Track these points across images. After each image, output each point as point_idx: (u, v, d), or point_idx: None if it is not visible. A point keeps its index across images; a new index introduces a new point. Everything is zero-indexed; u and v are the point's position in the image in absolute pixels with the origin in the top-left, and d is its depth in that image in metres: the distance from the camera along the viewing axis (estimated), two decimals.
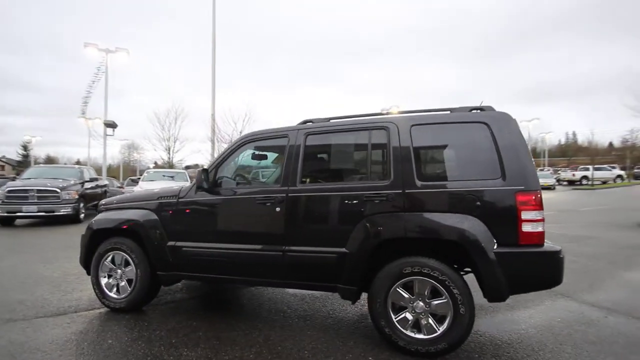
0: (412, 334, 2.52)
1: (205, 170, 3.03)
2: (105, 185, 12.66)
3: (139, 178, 16.19)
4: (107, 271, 3.42)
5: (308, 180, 2.92)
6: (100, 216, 3.57)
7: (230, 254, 2.98)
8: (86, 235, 3.52)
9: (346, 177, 2.98)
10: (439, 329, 2.46)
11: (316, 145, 2.98)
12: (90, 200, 10.52)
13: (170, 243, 3.19)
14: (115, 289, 3.39)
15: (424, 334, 2.49)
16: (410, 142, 2.67)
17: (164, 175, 13.65)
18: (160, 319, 3.17)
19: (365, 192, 2.67)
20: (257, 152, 3.37)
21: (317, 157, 3.06)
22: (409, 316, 2.54)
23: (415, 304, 2.53)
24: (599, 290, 3.90)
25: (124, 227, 3.37)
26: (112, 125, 20.57)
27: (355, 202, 2.69)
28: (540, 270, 2.39)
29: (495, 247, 2.38)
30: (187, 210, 3.21)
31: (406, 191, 2.58)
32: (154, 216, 3.29)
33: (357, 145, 2.91)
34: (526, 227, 2.38)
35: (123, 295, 3.33)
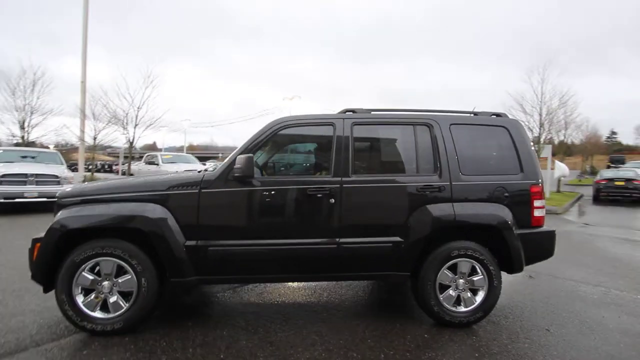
0: (454, 308, 2.88)
1: (251, 158, 2.62)
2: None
3: None
4: (87, 285, 2.59)
5: (359, 171, 2.89)
6: (71, 212, 2.64)
7: (275, 250, 2.71)
8: (49, 238, 2.56)
9: (395, 169, 3.07)
10: (476, 301, 2.90)
11: (364, 136, 2.96)
12: None
13: (190, 243, 2.66)
14: (99, 307, 2.61)
15: (465, 307, 2.89)
16: (451, 139, 2.97)
17: (23, 157, 10.41)
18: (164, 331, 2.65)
19: (419, 183, 2.85)
20: (294, 139, 3.07)
21: (365, 148, 3.03)
22: (452, 293, 2.89)
23: (457, 282, 2.89)
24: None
25: (120, 225, 2.61)
26: None
27: (409, 193, 2.84)
28: (545, 245, 3.08)
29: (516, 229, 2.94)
30: (217, 203, 2.72)
31: (453, 183, 2.89)
32: (164, 210, 2.66)
33: (403, 139, 3.02)
34: (537, 213, 3.02)
35: (116, 313, 2.60)
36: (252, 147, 2.82)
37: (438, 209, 2.83)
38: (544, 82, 15.01)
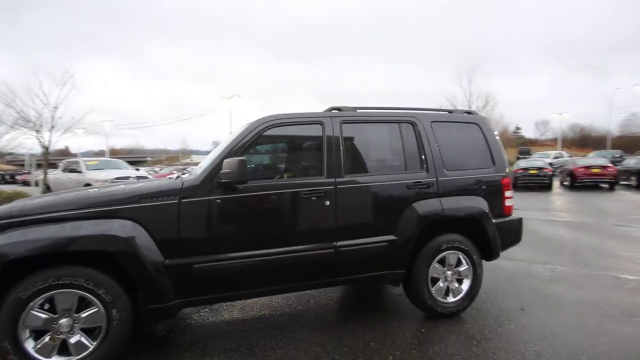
0: (445, 300, 2.98)
1: (244, 162, 2.35)
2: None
3: None
4: (39, 325, 2.09)
5: (351, 170, 2.80)
6: (12, 237, 2.09)
7: (270, 261, 2.49)
8: None
9: (385, 167, 3.03)
10: (462, 290, 3.03)
11: (353, 135, 2.88)
12: None
13: (171, 261, 2.31)
14: (56, 351, 2.13)
15: (453, 297, 3.01)
16: (434, 136, 3.06)
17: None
18: None
19: (409, 181, 2.87)
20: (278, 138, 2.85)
21: (355, 147, 2.94)
22: (442, 285, 2.98)
23: (446, 274, 2.99)
24: None
25: (81, 248, 2.15)
26: None
27: (401, 191, 2.85)
28: (515, 232, 3.35)
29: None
30: (202, 214, 2.40)
31: (439, 179, 2.97)
32: (136, 226, 2.27)
33: (391, 137, 3.01)
34: (507, 202, 3.27)
35: (81, 356, 2.14)
36: (238, 149, 2.55)
37: (428, 205, 2.89)
38: (471, 84, 16.67)
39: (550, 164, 17.57)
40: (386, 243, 2.77)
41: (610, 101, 34.43)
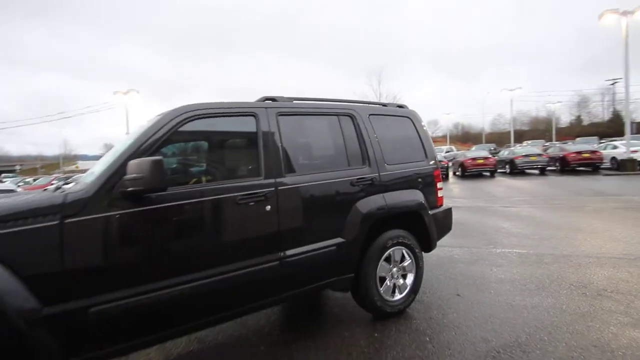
0: (392, 298, 2.89)
1: (160, 163, 1.78)
2: None
3: None
4: None
5: (292, 169, 2.46)
6: None
7: (201, 287, 1.99)
8: None
9: (328, 163, 2.72)
10: (407, 285, 2.98)
11: (291, 128, 2.52)
12: None
13: (51, 309, 1.64)
14: None
15: (400, 293, 2.94)
16: (372, 129, 2.94)
17: None
18: None
19: (353, 177, 2.68)
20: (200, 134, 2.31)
21: (294, 142, 2.56)
22: (389, 283, 2.89)
23: (392, 271, 2.90)
24: None
25: None
26: None
27: (346, 188, 2.63)
28: (448, 221, 3.46)
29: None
30: (96, 236, 1.76)
31: (381, 174, 2.85)
32: None
33: (331, 131, 2.75)
34: (439, 194, 3.36)
35: None
36: (148, 147, 1.98)
37: (373, 202, 2.74)
38: (380, 84, 17.79)
39: (445, 157, 20.03)
40: (334, 247, 2.53)
41: (483, 103, 41.20)
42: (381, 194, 2.81)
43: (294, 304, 3.33)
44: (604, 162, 15.92)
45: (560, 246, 4.76)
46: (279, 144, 2.40)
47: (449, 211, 3.48)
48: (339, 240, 2.56)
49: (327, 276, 2.54)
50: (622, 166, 14.67)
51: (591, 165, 15.81)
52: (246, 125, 2.36)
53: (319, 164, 2.68)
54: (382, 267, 2.82)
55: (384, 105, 3.31)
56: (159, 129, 2.03)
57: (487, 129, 58.11)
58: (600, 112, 53.50)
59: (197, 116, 2.17)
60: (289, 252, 2.32)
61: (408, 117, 3.32)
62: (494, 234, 5.71)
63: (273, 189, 2.29)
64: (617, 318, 2.70)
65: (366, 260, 2.73)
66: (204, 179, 2.24)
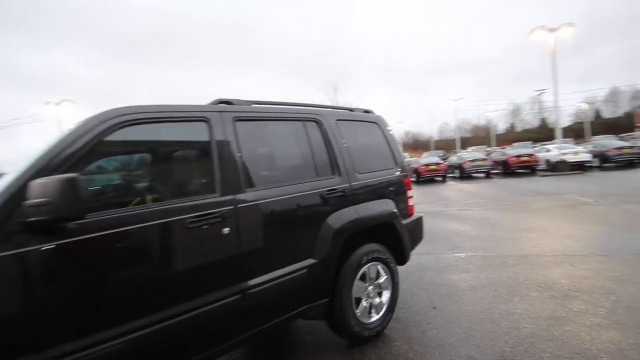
0: (369, 320, 2.63)
1: (75, 181, 1.34)
2: None
3: None
4: None
5: (252, 183, 2.11)
6: None
7: (142, 338, 1.56)
8: None
9: (294, 175, 2.39)
10: (384, 303, 2.75)
11: (250, 136, 2.18)
12: None
13: None
14: None
15: (377, 313, 2.69)
16: (341, 136, 2.70)
17: None
18: None
19: (322, 189, 2.40)
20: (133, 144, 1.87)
21: (254, 151, 2.20)
22: (365, 304, 2.63)
23: (368, 290, 2.65)
24: None
25: None
26: None
27: (316, 201, 2.34)
28: (419, 231, 3.31)
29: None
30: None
31: (352, 184, 2.61)
32: None
33: (296, 137, 2.45)
34: (410, 202, 3.21)
35: None
36: (60, 163, 1.52)
37: (345, 215, 2.48)
38: (336, 93, 17.91)
39: None
40: (305, 270, 2.22)
41: (430, 112, 43.75)
42: (353, 206, 2.57)
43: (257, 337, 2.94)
44: (540, 164, 17.44)
45: (517, 246, 4.89)
46: (237, 154, 2.05)
47: (419, 220, 3.35)
48: (310, 261, 2.25)
49: (298, 305, 2.21)
50: (555, 167, 16.13)
51: (529, 168, 17.25)
52: (196, 132, 1.99)
53: (284, 175, 2.36)
54: (357, 287, 2.56)
55: (351, 110, 3.10)
56: (78, 139, 1.58)
57: (435, 136, 61.94)
58: (531, 119, 59.52)
59: (131, 121, 1.74)
60: (253, 282, 1.97)
61: (375, 123, 3.14)
62: (455, 238, 5.76)
63: (231, 207, 1.93)
64: (589, 319, 2.70)
65: (340, 281, 2.45)
66: (143, 199, 1.81)
